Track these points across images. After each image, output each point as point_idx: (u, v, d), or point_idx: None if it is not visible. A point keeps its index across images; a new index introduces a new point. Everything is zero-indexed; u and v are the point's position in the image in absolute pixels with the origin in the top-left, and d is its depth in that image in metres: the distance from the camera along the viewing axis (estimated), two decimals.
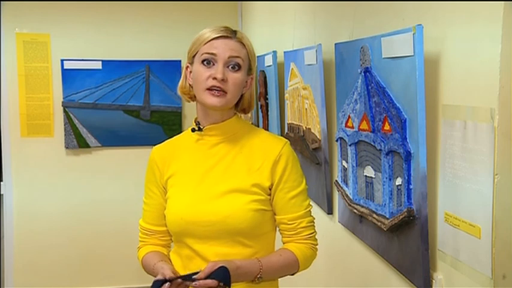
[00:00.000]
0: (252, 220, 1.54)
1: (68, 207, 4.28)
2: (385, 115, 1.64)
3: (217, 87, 1.52)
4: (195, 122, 1.64)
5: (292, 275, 1.63)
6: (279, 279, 1.69)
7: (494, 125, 1.20)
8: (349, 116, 1.95)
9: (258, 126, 3.39)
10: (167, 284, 1.41)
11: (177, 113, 4.32)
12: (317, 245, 1.64)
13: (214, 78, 1.52)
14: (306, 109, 2.48)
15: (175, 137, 1.73)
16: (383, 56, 1.64)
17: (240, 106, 1.65)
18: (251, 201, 1.55)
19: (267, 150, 1.60)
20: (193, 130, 1.62)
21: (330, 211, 2.32)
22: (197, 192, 1.58)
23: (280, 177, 1.58)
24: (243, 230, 1.55)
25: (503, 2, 1.17)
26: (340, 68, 2.04)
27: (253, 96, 1.68)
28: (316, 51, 2.22)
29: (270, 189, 1.59)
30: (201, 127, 1.61)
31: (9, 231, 4.22)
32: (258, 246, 1.59)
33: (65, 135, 4.21)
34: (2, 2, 4.03)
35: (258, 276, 1.51)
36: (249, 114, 3.53)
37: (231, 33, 1.57)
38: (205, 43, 1.55)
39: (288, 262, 1.57)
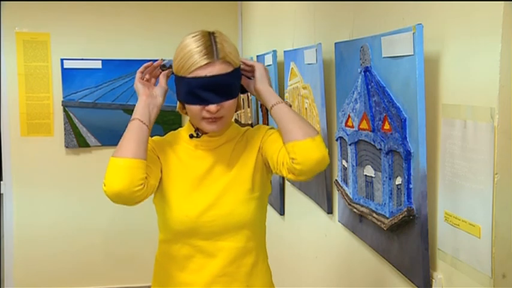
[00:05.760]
0: (254, 209, 1.58)
1: (67, 206, 4.28)
2: (385, 114, 1.64)
3: (213, 118, 1.52)
4: (193, 125, 1.63)
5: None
6: (275, 281, 1.70)
7: (494, 125, 1.20)
8: (349, 116, 1.95)
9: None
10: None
11: (177, 113, 4.29)
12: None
13: (208, 110, 1.51)
14: (306, 108, 2.48)
15: (168, 134, 1.72)
16: (383, 56, 1.64)
17: None
18: (251, 190, 1.58)
19: (254, 137, 1.63)
20: (191, 136, 1.62)
21: (329, 210, 2.32)
22: (199, 191, 1.58)
23: (263, 137, 1.61)
24: (249, 220, 1.58)
25: (503, 2, 1.17)
26: (340, 67, 2.04)
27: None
28: (316, 50, 2.22)
29: (266, 164, 1.61)
30: (199, 133, 1.61)
31: (9, 230, 4.22)
32: (257, 241, 1.63)
33: (65, 134, 4.21)
34: (2, 2, 4.03)
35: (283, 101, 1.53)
36: (249, 114, 3.53)
37: (213, 55, 1.48)
38: (190, 73, 1.49)
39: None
